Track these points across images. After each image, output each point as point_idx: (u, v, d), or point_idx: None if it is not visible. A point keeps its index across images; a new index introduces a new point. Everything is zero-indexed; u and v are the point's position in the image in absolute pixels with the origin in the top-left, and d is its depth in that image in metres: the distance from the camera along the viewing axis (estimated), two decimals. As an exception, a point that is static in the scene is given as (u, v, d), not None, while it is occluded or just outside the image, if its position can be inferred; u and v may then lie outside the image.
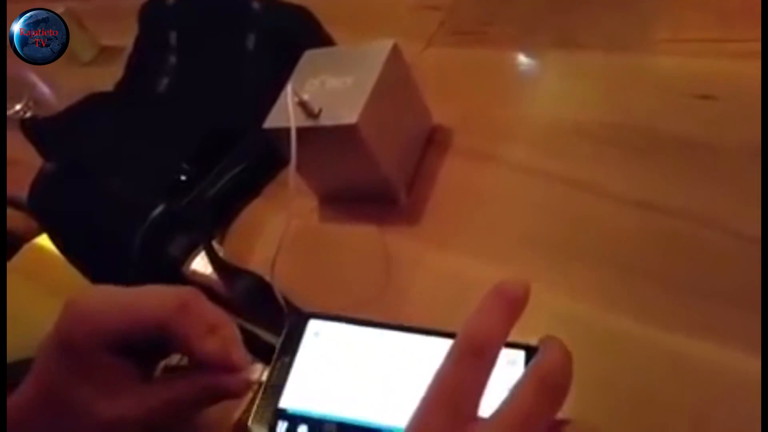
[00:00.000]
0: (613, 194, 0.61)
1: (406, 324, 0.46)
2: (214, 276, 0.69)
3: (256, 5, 0.87)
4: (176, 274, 0.73)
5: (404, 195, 0.70)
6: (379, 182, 0.67)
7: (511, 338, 0.36)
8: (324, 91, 0.65)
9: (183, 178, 0.77)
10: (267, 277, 0.63)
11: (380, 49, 0.67)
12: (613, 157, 0.64)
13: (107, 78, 1.04)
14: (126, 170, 0.85)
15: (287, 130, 0.61)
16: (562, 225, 0.61)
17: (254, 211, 0.76)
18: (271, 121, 0.65)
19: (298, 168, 0.68)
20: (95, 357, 0.43)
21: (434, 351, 0.41)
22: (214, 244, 0.72)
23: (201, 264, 0.72)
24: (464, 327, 0.36)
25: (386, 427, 0.42)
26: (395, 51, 0.67)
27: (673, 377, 0.49)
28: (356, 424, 0.43)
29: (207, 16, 0.96)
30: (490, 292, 0.36)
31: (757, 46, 0.65)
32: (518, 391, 0.34)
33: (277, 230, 0.64)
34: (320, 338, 0.48)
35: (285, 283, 0.63)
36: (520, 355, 0.42)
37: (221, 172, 0.75)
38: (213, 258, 0.68)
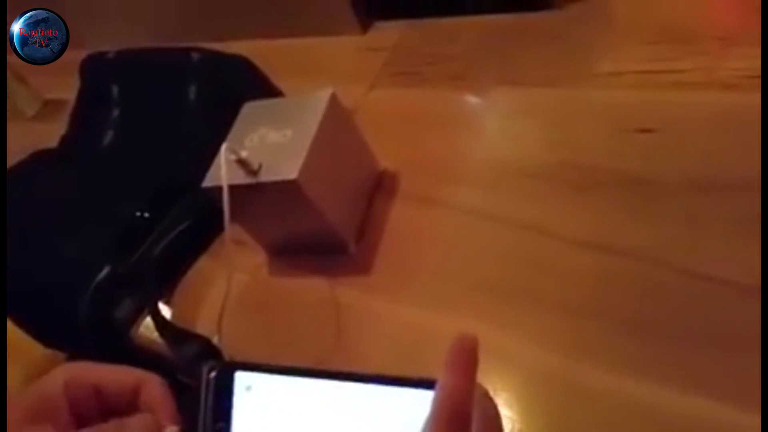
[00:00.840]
0: (563, 236, 0.61)
1: (340, 371, 0.40)
2: (161, 341, 0.67)
3: (195, 56, 0.86)
4: (124, 338, 0.71)
5: (353, 244, 0.69)
6: (326, 234, 0.66)
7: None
8: (264, 146, 0.64)
9: (145, 215, 0.75)
10: (215, 339, 0.61)
11: (319, 99, 0.66)
12: (560, 197, 0.64)
13: (53, 133, 1.02)
14: (71, 230, 0.83)
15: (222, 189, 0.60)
16: (513, 269, 0.61)
17: (201, 269, 0.75)
18: (209, 180, 0.64)
19: (242, 224, 0.67)
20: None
21: (376, 400, 0.38)
22: (161, 305, 0.70)
23: (149, 328, 0.70)
24: (445, 395, 0.34)
25: None
26: (334, 100, 0.66)
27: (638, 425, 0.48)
28: None
29: (148, 69, 0.94)
30: (453, 350, 0.34)
31: (695, 76, 0.66)
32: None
33: (225, 288, 0.62)
34: (253, 394, 0.41)
35: (233, 342, 0.62)
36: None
37: (165, 231, 0.73)
38: (159, 322, 0.66)
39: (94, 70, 1.01)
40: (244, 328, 0.64)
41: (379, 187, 0.74)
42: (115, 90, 0.97)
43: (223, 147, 0.61)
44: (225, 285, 0.64)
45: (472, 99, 0.79)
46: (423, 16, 0.91)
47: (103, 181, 0.88)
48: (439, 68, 0.84)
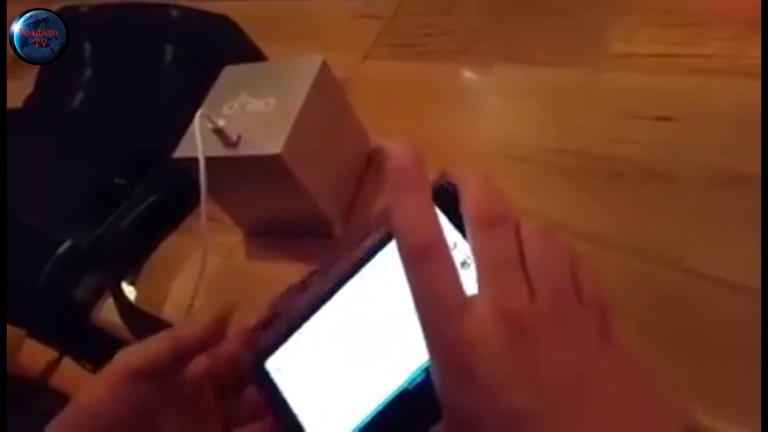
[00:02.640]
0: (566, 228, 0.56)
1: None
2: (123, 325, 0.61)
3: (174, 13, 0.80)
4: (84, 320, 0.66)
5: (340, 228, 0.64)
6: (310, 215, 0.61)
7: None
8: (244, 115, 0.59)
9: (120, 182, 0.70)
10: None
11: (308, 65, 0.61)
12: (567, 188, 0.59)
13: (17, 91, 0.95)
14: (33, 198, 0.78)
15: (198, 161, 0.54)
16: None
17: (171, 247, 0.69)
18: (182, 150, 0.58)
19: (218, 200, 0.62)
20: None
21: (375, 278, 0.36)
22: (126, 285, 0.65)
23: (111, 311, 0.65)
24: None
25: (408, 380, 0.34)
26: (324, 68, 0.61)
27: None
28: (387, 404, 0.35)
29: (123, 25, 0.88)
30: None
31: (718, 62, 0.61)
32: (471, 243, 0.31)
33: (196, 269, 0.57)
34: (284, 371, 0.38)
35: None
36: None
37: (133, 204, 0.67)
38: (121, 305, 0.61)
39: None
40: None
41: (370, 167, 0.68)
42: (87, 48, 0.90)
43: (198, 114, 0.55)
44: (197, 267, 0.59)
45: (473, 75, 0.74)
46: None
47: (71, 147, 0.83)
48: (438, 40, 0.78)
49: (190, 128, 0.57)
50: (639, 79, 0.64)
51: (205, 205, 0.55)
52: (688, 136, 0.58)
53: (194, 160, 0.56)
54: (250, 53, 0.79)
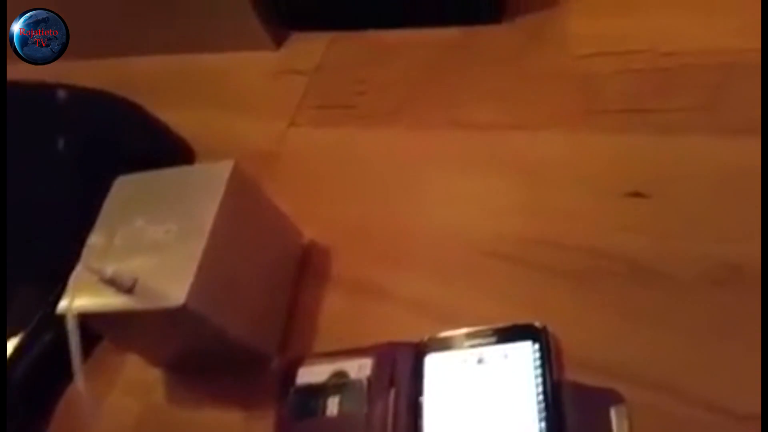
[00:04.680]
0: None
1: None
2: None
3: (61, 95, 0.70)
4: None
5: (275, 357, 0.54)
6: (237, 351, 0.52)
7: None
8: (141, 248, 0.49)
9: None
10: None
11: (215, 174, 0.51)
12: (539, 289, 0.51)
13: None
14: None
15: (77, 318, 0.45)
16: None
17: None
18: (62, 306, 0.48)
19: (120, 347, 0.53)
20: None
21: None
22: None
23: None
24: None
25: None
26: (236, 175, 0.51)
27: None
28: None
29: (11, 106, 0.77)
30: None
31: (692, 118, 0.53)
32: None
33: (111, 414, 0.49)
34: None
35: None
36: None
37: (25, 348, 0.58)
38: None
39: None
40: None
41: (305, 269, 0.59)
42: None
43: (78, 269, 0.46)
44: (111, 409, 0.50)
45: (414, 143, 0.64)
46: (349, 28, 0.76)
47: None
48: (372, 99, 0.69)
49: (72, 279, 0.48)
50: (606, 142, 0.56)
51: (81, 372, 0.46)
52: (665, 216, 0.50)
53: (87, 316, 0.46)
54: (152, 133, 0.69)
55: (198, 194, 0.51)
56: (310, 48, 0.78)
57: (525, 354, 0.45)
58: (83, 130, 0.69)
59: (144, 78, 0.84)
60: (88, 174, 0.66)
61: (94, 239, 0.51)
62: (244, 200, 0.52)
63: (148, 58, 0.85)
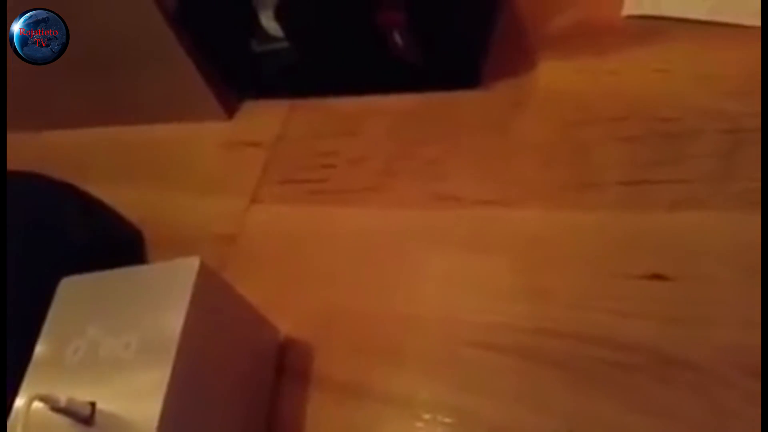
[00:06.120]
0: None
1: None
2: None
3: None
4: None
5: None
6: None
7: None
8: (96, 364, 0.43)
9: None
10: None
11: (178, 275, 0.46)
12: (544, 388, 0.46)
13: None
14: None
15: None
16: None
17: None
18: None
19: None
20: None
21: None
22: None
23: None
24: None
25: None
26: (203, 275, 0.46)
27: None
28: None
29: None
30: None
31: (702, 189, 0.50)
32: None
33: None
34: None
35: None
36: None
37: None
38: None
39: None
40: None
41: (283, 369, 0.54)
42: None
43: (22, 401, 0.39)
44: None
45: (391, 221, 0.60)
46: (309, 96, 0.71)
47: None
48: (342, 173, 0.65)
49: (18, 408, 0.41)
50: (613, 220, 0.52)
51: None
52: (691, 299, 0.46)
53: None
54: (97, 219, 0.63)
55: (159, 300, 0.45)
56: (266, 117, 0.73)
57: None
58: (18, 220, 0.61)
59: (81, 151, 0.79)
60: (27, 271, 0.58)
61: (42, 351, 0.45)
62: (213, 304, 0.46)
63: (85, 131, 0.79)
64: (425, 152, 0.62)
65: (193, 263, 0.45)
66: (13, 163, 0.64)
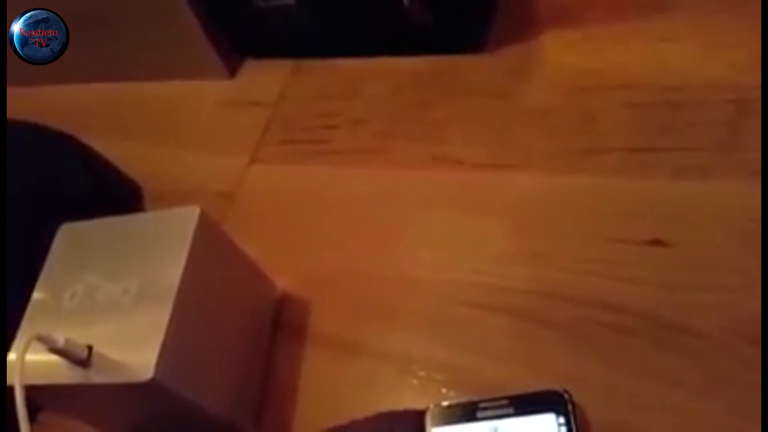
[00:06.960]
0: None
1: None
2: None
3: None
4: None
5: (251, 426, 0.49)
6: (208, 424, 0.46)
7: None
8: (94, 309, 0.43)
9: None
10: None
11: (179, 222, 0.46)
12: (544, 348, 0.46)
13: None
14: None
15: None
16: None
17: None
18: (9, 377, 0.41)
19: (66, 416, 0.47)
20: None
21: None
22: None
23: None
24: None
25: None
26: (204, 222, 0.46)
27: None
28: None
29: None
30: None
31: (707, 158, 0.50)
32: None
33: None
34: None
35: None
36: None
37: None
38: None
39: None
40: None
41: (280, 325, 0.54)
42: None
43: (23, 339, 0.39)
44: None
45: (394, 183, 0.60)
46: (313, 56, 0.71)
47: None
48: (345, 134, 0.65)
49: (17, 346, 0.41)
50: (612, 185, 0.52)
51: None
52: (688, 266, 0.47)
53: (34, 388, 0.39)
54: (96, 172, 0.63)
55: (158, 247, 0.45)
56: (268, 77, 0.73)
57: (548, 430, 0.40)
58: (18, 168, 0.61)
59: (81, 108, 0.78)
60: (27, 219, 0.59)
61: (40, 296, 0.45)
62: (213, 253, 0.46)
63: (85, 86, 0.79)
64: (428, 115, 0.62)
65: (193, 212, 0.46)
66: (11, 117, 0.64)
